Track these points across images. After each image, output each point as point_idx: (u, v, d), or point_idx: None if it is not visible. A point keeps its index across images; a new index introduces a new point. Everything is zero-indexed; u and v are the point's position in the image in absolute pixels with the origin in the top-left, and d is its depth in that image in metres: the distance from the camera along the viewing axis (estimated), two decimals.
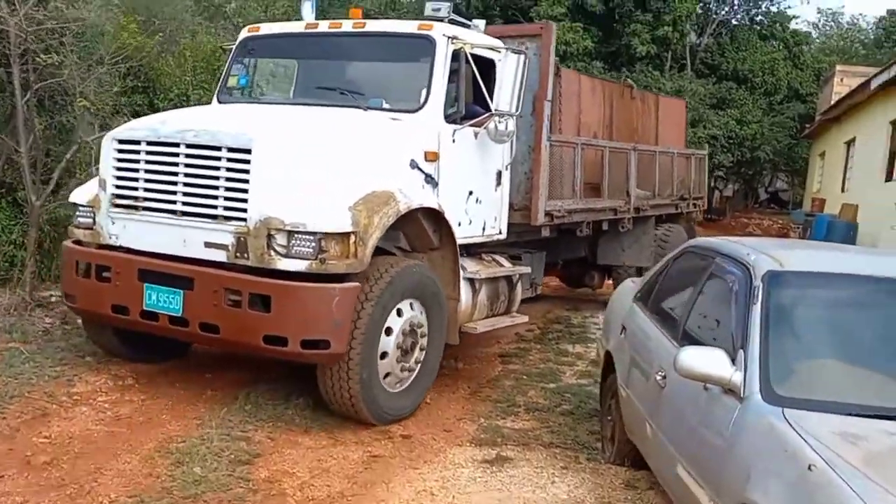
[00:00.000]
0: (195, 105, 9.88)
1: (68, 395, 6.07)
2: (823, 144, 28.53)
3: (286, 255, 5.38)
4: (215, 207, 5.60)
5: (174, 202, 5.78)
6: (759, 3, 31.20)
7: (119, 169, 6.04)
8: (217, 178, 5.61)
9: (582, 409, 6.81)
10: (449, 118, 6.68)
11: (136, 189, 5.97)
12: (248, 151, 5.48)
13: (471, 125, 6.78)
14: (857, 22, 45.75)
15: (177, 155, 5.74)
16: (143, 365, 6.79)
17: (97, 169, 6.53)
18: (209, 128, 5.76)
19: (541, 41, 7.87)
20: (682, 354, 3.70)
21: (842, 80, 27.03)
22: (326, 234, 5.34)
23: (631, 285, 6.15)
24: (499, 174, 7.38)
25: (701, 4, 28.54)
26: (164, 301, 5.71)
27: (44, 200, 8.63)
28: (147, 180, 5.91)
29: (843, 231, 19.88)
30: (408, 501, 4.80)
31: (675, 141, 12.61)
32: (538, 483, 5.11)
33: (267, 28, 7.70)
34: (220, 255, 5.59)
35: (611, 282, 11.00)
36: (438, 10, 6.79)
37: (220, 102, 7.47)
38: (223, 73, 7.69)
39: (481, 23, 7.45)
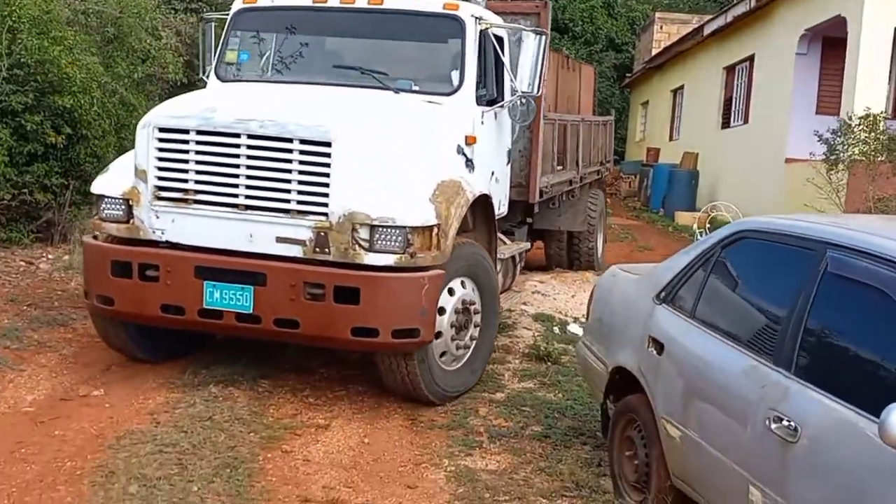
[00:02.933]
0: None
1: None
2: (646, 94, 28.77)
3: (371, 250, 5.28)
4: (287, 202, 5.39)
5: (236, 195, 5.49)
6: None
7: (162, 160, 5.63)
8: (289, 170, 5.38)
9: (555, 429, 5.53)
10: (479, 100, 6.62)
11: (185, 181, 5.60)
12: (328, 144, 5.31)
13: (499, 106, 6.87)
14: None
15: (237, 146, 5.44)
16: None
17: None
18: (276, 118, 5.46)
19: (538, 19, 7.98)
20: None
21: (661, 27, 27.23)
22: (414, 227, 5.28)
23: (627, 277, 4.88)
24: (509, 152, 7.50)
25: None
26: (231, 298, 5.45)
27: None
28: (200, 172, 5.56)
29: (686, 180, 19.84)
30: None
31: (588, 107, 13.10)
32: None
33: (265, 0, 7.12)
34: (294, 251, 5.41)
35: (542, 245, 11.07)
36: None
37: (220, 80, 6.95)
38: (219, 47, 7.11)
39: None
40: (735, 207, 10.24)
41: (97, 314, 6.14)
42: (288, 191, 5.38)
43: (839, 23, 13.66)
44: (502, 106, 6.82)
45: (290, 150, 5.36)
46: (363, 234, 5.27)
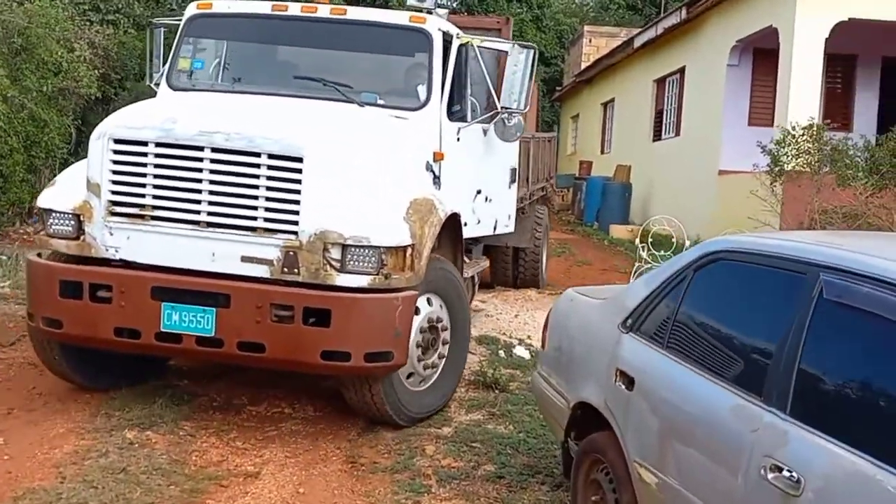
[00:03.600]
0: None
1: None
2: (576, 107, 28.78)
3: (343, 270, 5.06)
4: (254, 219, 5.14)
5: (198, 212, 5.21)
6: None
7: (118, 173, 5.32)
8: (255, 186, 5.14)
9: (509, 468, 5.08)
10: (453, 116, 6.43)
11: (142, 196, 5.30)
12: (300, 160, 5.08)
13: (477, 122, 6.67)
14: None
15: (199, 160, 5.17)
16: None
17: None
18: (241, 130, 5.20)
19: (499, 35, 8.06)
20: None
21: (590, 40, 27.27)
22: (388, 248, 5.09)
23: (587, 301, 4.47)
24: (513, 171, 7.32)
25: None
26: (190, 321, 5.13)
27: None
28: (158, 186, 5.27)
29: (619, 193, 19.71)
30: None
31: (532, 124, 12.87)
32: None
33: (221, 6, 6.78)
34: (260, 271, 5.14)
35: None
36: (423, 0, 6.55)
37: (172, 88, 6.54)
38: (171, 54, 6.71)
39: (444, 11, 7.10)
40: (677, 221, 10.00)
41: (40, 338, 5.73)
42: (255, 207, 5.14)
43: (771, 34, 13.67)
44: (480, 121, 6.69)
45: (257, 165, 5.12)
46: (334, 253, 5.05)
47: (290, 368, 5.53)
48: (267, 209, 5.12)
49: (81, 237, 5.42)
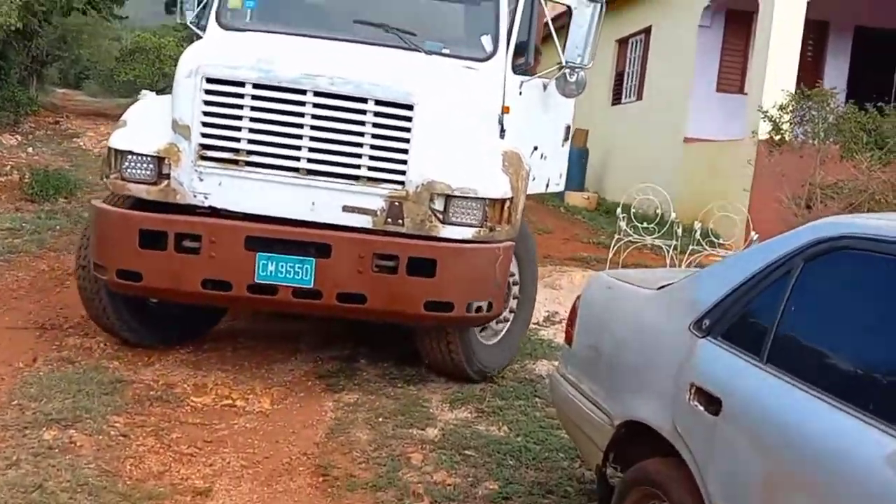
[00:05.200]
0: None
1: None
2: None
3: (448, 222, 5.04)
4: (357, 167, 5.04)
5: (297, 158, 5.05)
6: None
7: (210, 114, 5.08)
8: (360, 133, 5.02)
9: (515, 485, 4.22)
10: (517, 69, 6.15)
11: (237, 140, 5.08)
12: (410, 108, 5.01)
13: (539, 76, 6.47)
14: None
15: (301, 104, 5.02)
16: None
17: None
18: (347, 75, 5.04)
19: None
20: None
21: None
22: (493, 200, 5.08)
23: (633, 291, 3.59)
24: (567, 129, 7.18)
25: None
26: (288, 272, 4.97)
27: None
28: (255, 130, 5.06)
29: (575, 158, 18.76)
30: None
31: None
32: None
33: None
34: (363, 221, 5.05)
35: None
36: None
37: (223, 27, 6.00)
38: None
39: None
40: (665, 192, 9.23)
41: (90, 289, 5.52)
42: (359, 155, 5.02)
43: None
44: (543, 76, 6.44)
45: (363, 112, 4.99)
46: (437, 204, 5.02)
47: (390, 319, 5.40)
48: (372, 157, 5.00)
49: (163, 182, 5.13)
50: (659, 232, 9.08)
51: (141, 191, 5.19)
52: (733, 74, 14.85)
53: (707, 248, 8.92)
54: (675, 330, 3.13)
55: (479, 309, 5.11)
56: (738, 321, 2.94)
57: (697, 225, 8.89)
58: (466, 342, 5.39)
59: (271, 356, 6.05)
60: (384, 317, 5.30)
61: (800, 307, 2.75)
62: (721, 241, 9.18)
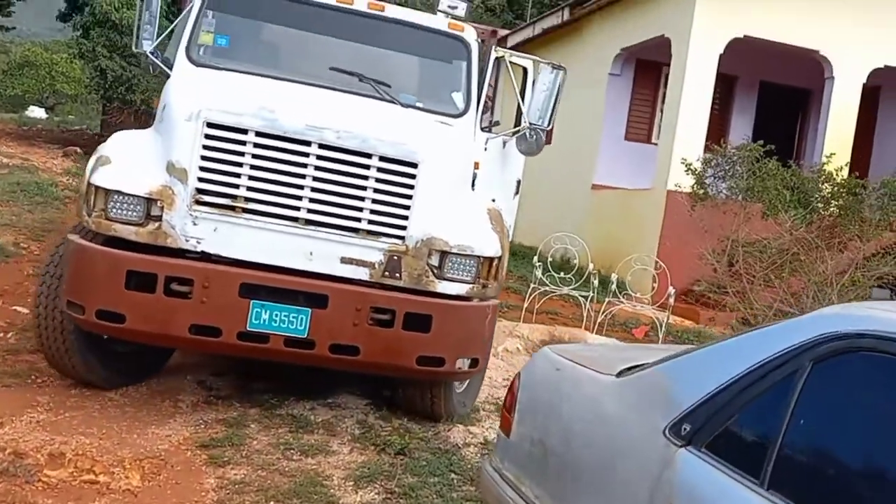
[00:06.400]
0: None
1: None
2: None
3: (442, 278, 5.12)
4: (358, 220, 5.06)
5: (297, 209, 5.01)
6: None
7: (209, 159, 4.97)
8: (363, 187, 5.05)
9: None
10: (482, 127, 6.42)
11: (235, 187, 4.99)
12: (415, 165, 5.09)
13: (503, 135, 6.75)
14: None
15: (305, 155, 5.00)
16: None
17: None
18: (353, 129, 5.05)
19: (483, 46, 7.26)
20: None
21: None
22: (486, 257, 5.18)
23: (589, 375, 3.02)
24: (518, 183, 7.43)
25: None
26: (283, 321, 4.89)
27: None
28: (254, 178, 4.98)
29: None
30: None
31: None
32: None
33: None
34: (361, 273, 5.07)
35: None
36: (455, 7, 6.30)
37: (192, 63, 5.84)
38: (192, 26, 5.99)
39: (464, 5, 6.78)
40: (581, 240, 8.83)
41: (53, 328, 5.30)
42: (360, 209, 5.07)
43: (658, 44, 12.88)
44: (515, 133, 6.59)
45: (366, 167, 5.04)
46: (434, 260, 5.13)
47: (383, 372, 5.45)
48: (373, 211, 5.05)
49: (152, 224, 4.98)
50: (575, 282, 8.69)
51: (129, 232, 4.99)
52: (642, 124, 14.78)
53: (623, 300, 8.57)
54: (646, 432, 2.58)
55: (467, 364, 5.20)
56: (727, 431, 2.40)
57: (614, 276, 8.54)
58: (447, 393, 5.59)
59: (145, 417, 5.26)
60: (375, 369, 5.30)
61: (810, 420, 2.24)
62: (637, 294, 8.84)
